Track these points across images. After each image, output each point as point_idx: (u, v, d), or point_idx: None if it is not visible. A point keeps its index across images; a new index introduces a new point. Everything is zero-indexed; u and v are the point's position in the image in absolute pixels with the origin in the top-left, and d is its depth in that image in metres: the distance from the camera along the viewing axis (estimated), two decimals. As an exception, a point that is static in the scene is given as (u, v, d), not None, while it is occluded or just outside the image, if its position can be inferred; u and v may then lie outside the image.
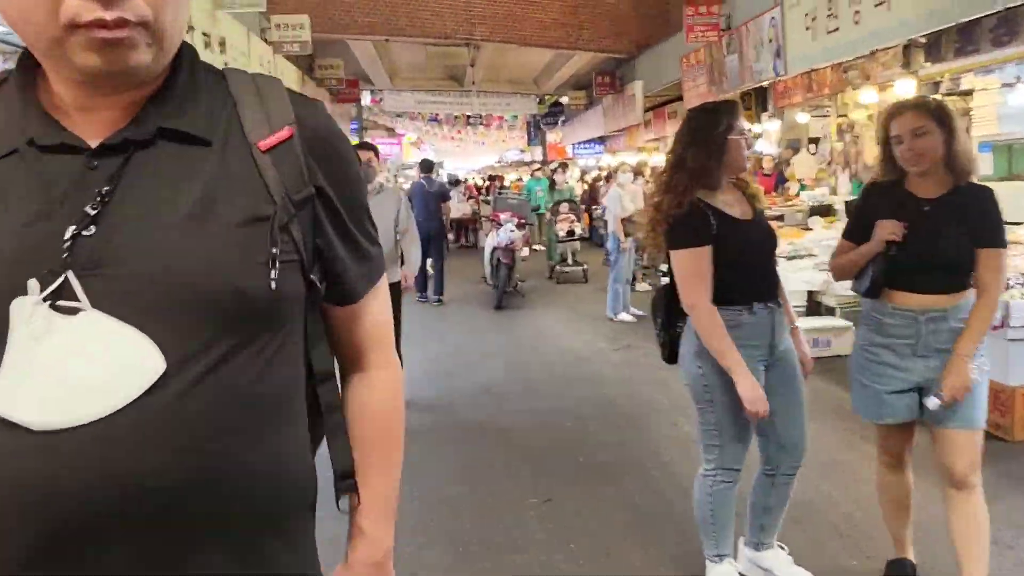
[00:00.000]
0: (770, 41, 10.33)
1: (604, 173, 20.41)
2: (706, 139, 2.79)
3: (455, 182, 21.38)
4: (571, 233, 11.89)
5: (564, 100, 27.69)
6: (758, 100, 16.03)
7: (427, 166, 11.80)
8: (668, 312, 2.98)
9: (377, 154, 5.36)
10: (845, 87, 11.62)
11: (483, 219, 17.52)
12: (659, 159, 19.71)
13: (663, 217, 2.81)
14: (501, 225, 10.43)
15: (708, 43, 12.37)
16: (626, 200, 8.74)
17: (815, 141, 13.66)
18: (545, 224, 14.79)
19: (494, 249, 10.21)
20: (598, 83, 19.33)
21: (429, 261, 10.41)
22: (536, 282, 11.77)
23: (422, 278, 10.85)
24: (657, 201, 2.86)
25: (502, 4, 15.92)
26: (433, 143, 44.37)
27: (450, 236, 18.45)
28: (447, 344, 8.11)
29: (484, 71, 21.22)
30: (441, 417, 5.69)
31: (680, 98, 17.74)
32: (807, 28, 9.28)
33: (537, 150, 36.57)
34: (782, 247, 8.95)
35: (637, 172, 10.72)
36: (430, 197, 10.65)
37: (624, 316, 8.77)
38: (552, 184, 13.31)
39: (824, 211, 10.29)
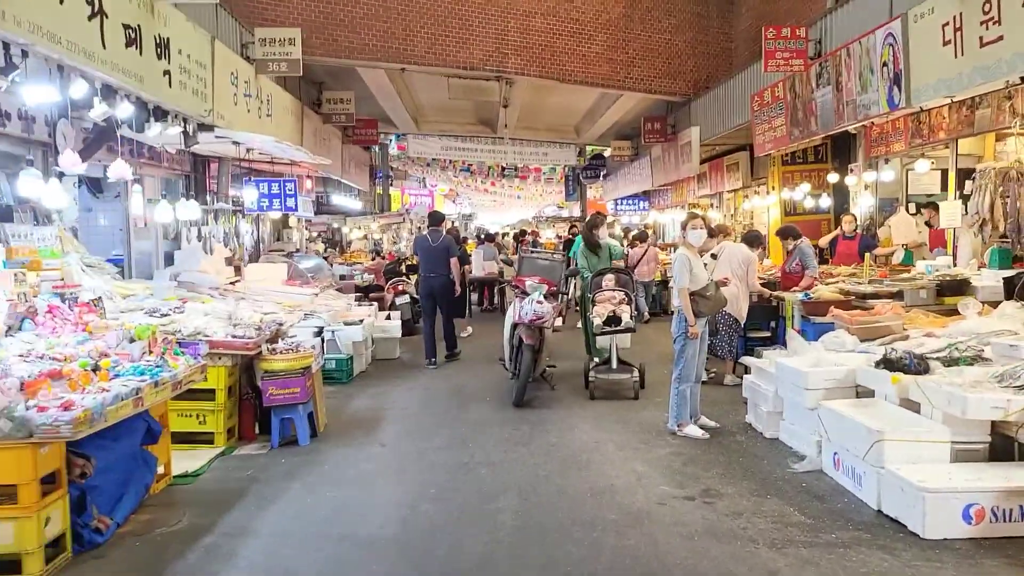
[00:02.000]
0: (884, 65, 7.91)
1: (633, 232, 17.39)
2: None
3: (485, 237, 18.90)
4: (614, 321, 7.68)
5: (606, 152, 25.49)
6: (838, 150, 13.58)
7: (436, 219, 10.84)
8: None
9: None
10: (967, 129, 9.15)
11: (504, 284, 14.48)
12: (716, 215, 17.13)
13: None
14: (526, 294, 7.99)
15: (792, 74, 10.00)
16: (696, 266, 6.25)
17: (922, 203, 11.02)
18: (573, 301, 11.43)
19: (515, 326, 7.76)
20: (647, 130, 17.02)
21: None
22: (572, 364, 9.25)
23: (429, 341, 9.90)
24: None
25: (539, 34, 13.80)
26: (468, 196, 42.55)
27: (473, 296, 16.06)
28: (435, 470, 5.61)
29: (519, 115, 19.08)
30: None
31: (744, 148, 15.42)
32: (946, 42, 6.84)
33: (575, 205, 34.34)
34: (920, 344, 6.26)
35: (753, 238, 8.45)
36: (435, 252, 9.99)
37: (692, 431, 6.21)
38: (592, 243, 8.75)
39: (956, 288, 7.68)
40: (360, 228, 22.83)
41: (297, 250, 14.49)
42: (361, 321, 9.54)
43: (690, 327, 6.05)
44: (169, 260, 10.64)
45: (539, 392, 8.05)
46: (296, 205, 11.00)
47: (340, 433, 6.70)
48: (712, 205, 18.32)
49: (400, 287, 13.15)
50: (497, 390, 8.25)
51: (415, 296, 13.65)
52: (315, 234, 23.34)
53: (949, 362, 5.22)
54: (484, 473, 5.45)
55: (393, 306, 12.84)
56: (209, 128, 8.34)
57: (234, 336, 6.21)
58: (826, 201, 12.74)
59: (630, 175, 22.20)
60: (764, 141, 11.38)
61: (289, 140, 11.04)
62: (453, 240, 10.76)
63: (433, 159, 26.57)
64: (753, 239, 8.81)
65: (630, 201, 25.09)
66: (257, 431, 6.63)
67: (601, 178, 26.60)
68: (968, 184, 7.71)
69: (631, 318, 7.68)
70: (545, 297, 7.76)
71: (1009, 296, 6.56)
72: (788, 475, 5.24)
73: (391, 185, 30.02)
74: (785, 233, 9.09)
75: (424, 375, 9.28)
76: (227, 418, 6.30)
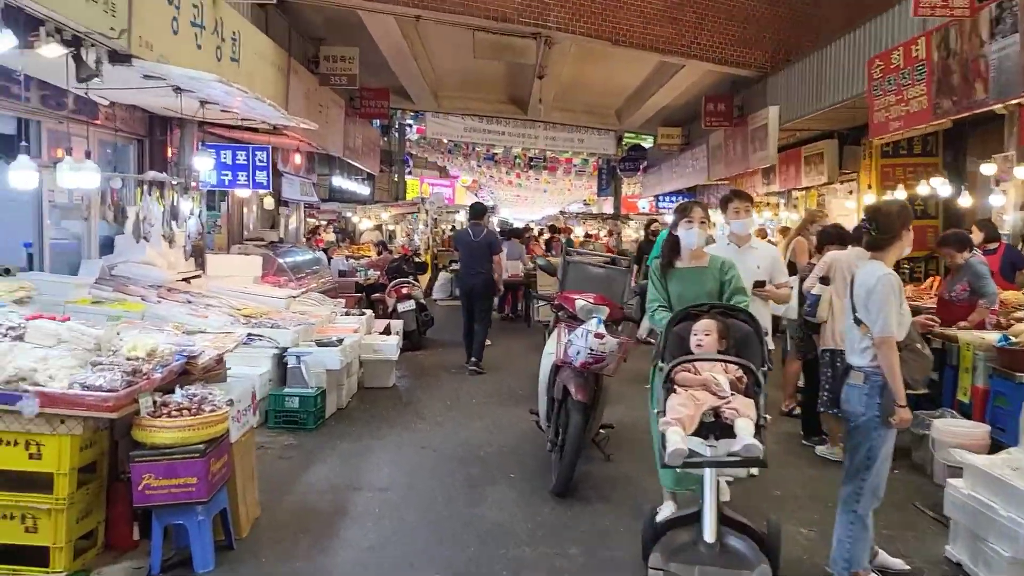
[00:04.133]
0: None
1: (654, 227, 13.12)
2: None
3: (511, 233, 15.66)
4: (718, 430, 3.35)
5: (646, 144, 22.68)
6: (951, 140, 10.81)
7: (478, 211, 9.66)
8: None
9: None
10: None
11: (534, 296, 11.53)
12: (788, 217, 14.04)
13: None
14: (575, 319, 5.31)
15: (953, 21, 7.24)
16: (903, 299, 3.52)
17: None
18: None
19: (557, 369, 5.08)
20: (708, 111, 14.21)
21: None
22: (634, 412, 6.59)
23: (469, 340, 9.10)
24: None
25: (588, -17, 11.11)
26: (491, 188, 39.60)
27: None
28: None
29: (556, 92, 16.38)
30: None
31: (830, 135, 12.65)
32: None
33: (607, 202, 31.38)
34: None
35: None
36: (476, 248, 9.11)
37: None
38: (674, 247, 4.21)
39: None
40: (371, 218, 20.25)
41: (281, 240, 11.93)
42: (341, 341, 6.93)
43: (900, 409, 3.35)
44: (109, 248, 8.17)
45: (589, 464, 5.40)
46: (267, 181, 8.40)
47: (272, 542, 4.09)
48: (780, 205, 15.54)
49: (404, 290, 10.53)
50: (525, 458, 5.61)
51: (423, 302, 11.08)
52: (324, 222, 20.86)
53: None
54: None
55: (394, 314, 10.25)
56: (125, 59, 5.78)
57: (85, 385, 3.61)
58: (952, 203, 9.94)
59: (678, 167, 19.43)
60: (888, 118, 8.61)
61: (268, 98, 8.47)
62: (496, 235, 9.84)
63: (455, 144, 23.89)
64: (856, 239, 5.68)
65: (673, 198, 22.25)
66: (138, 535, 4.05)
67: (640, 171, 23.83)
68: None
69: (758, 429, 3.31)
70: (606, 326, 5.04)
71: None
72: None
73: (409, 173, 27.38)
74: (952, 242, 6.35)
75: (422, 422, 6.64)
76: (76, 520, 3.71)
